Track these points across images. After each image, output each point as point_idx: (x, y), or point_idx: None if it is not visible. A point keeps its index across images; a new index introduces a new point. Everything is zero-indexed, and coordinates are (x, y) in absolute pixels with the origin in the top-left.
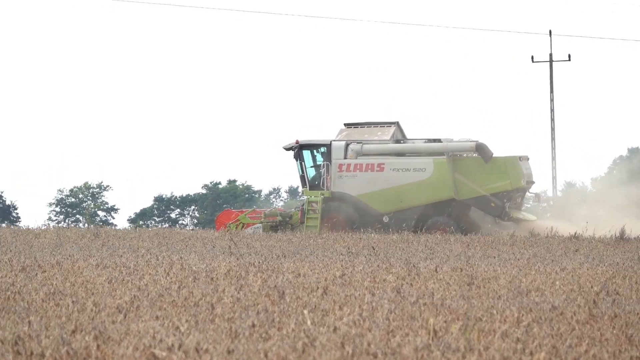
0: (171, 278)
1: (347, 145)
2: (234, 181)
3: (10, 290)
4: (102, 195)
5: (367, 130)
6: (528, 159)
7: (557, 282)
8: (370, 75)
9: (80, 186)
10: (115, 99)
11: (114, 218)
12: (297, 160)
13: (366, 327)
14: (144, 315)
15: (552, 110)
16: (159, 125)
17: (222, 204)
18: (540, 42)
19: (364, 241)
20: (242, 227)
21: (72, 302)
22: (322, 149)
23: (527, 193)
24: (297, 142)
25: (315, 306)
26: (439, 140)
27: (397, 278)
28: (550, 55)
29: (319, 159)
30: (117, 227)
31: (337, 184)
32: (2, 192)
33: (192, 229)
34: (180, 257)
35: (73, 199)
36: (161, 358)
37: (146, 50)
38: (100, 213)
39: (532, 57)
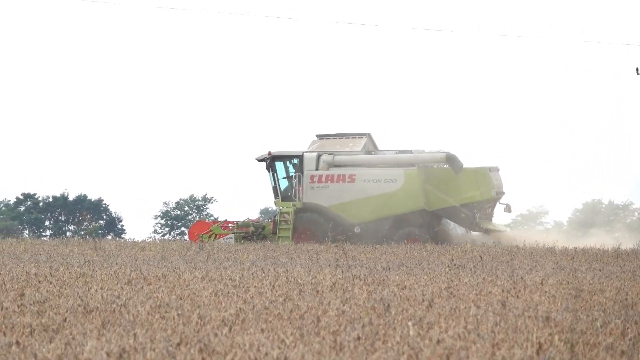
0: (276, 291)
1: (318, 156)
2: None
3: (115, 303)
4: (207, 208)
5: (339, 142)
6: (498, 169)
7: None
8: (354, 85)
9: (186, 198)
10: (220, 113)
11: None
12: (269, 172)
13: (471, 339)
14: (249, 328)
15: None
16: (264, 138)
17: None
18: None
19: (469, 253)
20: (215, 237)
21: (178, 314)
22: (295, 160)
23: (498, 203)
24: (269, 153)
25: (421, 319)
26: (409, 152)
27: (503, 290)
28: None
29: (292, 170)
30: (222, 240)
31: (309, 194)
32: (108, 205)
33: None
34: (286, 270)
35: (178, 212)
36: None
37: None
38: None
39: (638, 70)
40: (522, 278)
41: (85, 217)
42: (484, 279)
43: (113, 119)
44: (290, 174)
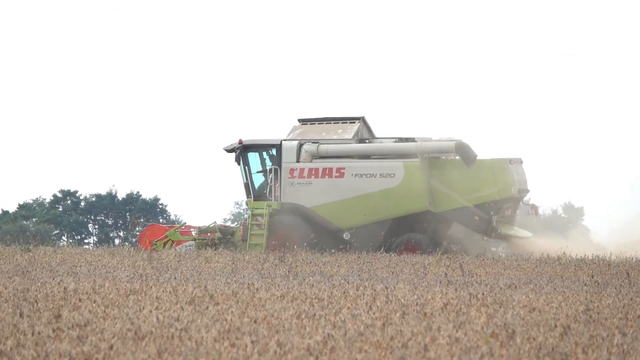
0: (374, 313)
1: (300, 145)
2: None
3: (174, 327)
4: None
5: (325, 128)
6: (521, 161)
7: None
8: (345, 61)
9: None
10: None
11: None
12: (239, 165)
13: None
14: (340, 358)
15: None
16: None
17: None
18: None
19: (613, 268)
20: (172, 244)
21: (252, 342)
22: (271, 151)
23: (521, 203)
24: (240, 142)
25: (553, 348)
26: (412, 140)
27: None
28: None
29: (268, 162)
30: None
31: (288, 193)
32: (166, 205)
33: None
34: (386, 287)
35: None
36: None
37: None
38: None
39: None
40: None
41: (138, 220)
42: (631, 299)
43: (169, 105)
44: (267, 168)
